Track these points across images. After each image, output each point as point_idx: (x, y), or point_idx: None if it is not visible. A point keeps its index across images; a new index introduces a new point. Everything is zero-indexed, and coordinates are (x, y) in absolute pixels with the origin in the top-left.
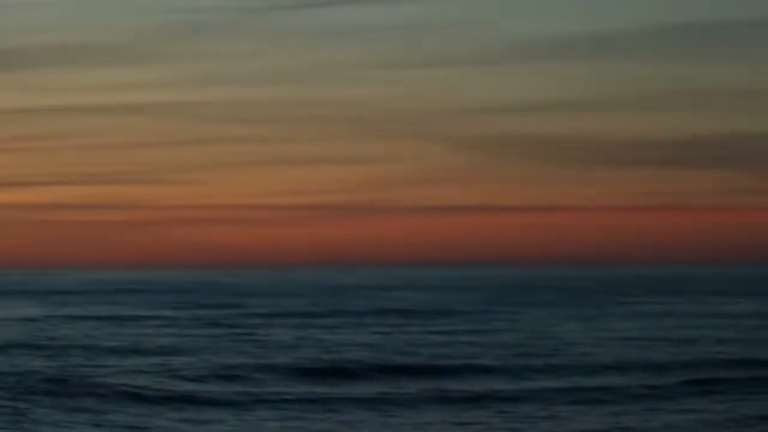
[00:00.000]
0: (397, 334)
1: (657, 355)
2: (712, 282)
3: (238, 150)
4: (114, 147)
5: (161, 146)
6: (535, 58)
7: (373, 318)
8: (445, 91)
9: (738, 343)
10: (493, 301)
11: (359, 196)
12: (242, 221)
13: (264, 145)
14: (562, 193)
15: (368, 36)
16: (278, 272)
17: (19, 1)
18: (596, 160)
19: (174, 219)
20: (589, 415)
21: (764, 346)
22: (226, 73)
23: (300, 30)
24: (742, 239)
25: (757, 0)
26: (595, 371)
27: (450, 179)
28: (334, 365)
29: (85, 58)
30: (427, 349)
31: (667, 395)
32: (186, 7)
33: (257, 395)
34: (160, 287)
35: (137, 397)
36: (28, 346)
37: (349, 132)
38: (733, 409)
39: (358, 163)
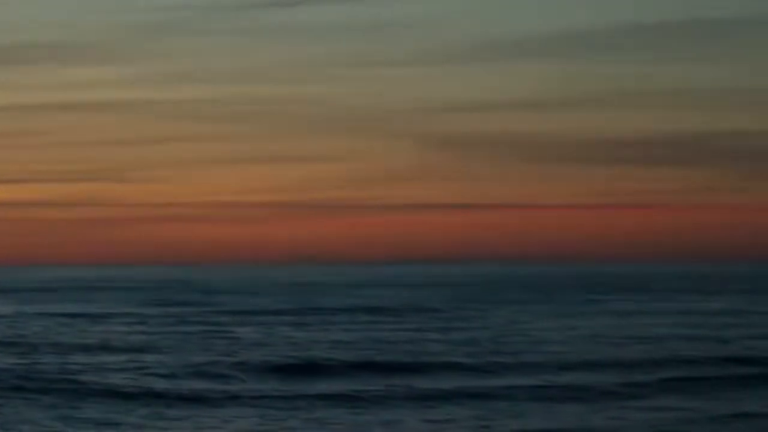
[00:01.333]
0: (367, 332)
1: (627, 353)
2: (682, 279)
3: (206, 148)
4: (83, 145)
5: (130, 144)
6: (504, 56)
7: (343, 315)
8: (414, 89)
9: (709, 340)
10: (463, 299)
11: (328, 194)
12: (211, 219)
13: (232, 143)
14: (532, 191)
15: (336, 34)
16: (248, 270)
17: None
18: (566, 159)
19: (142, 217)
20: (560, 413)
21: (735, 343)
22: (194, 72)
23: (267, 28)
24: (711, 237)
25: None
26: (566, 369)
27: (419, 177)
28: (305, 362)
29: (54, 56)
30: (397, 346)
31: (637, 393)
32: (154, 6)
33: (228, 392)
34: (130, 284)
35: (108, 393)
36: None
37: (317, 130)
38: (706, 407)
39: (327, 161)
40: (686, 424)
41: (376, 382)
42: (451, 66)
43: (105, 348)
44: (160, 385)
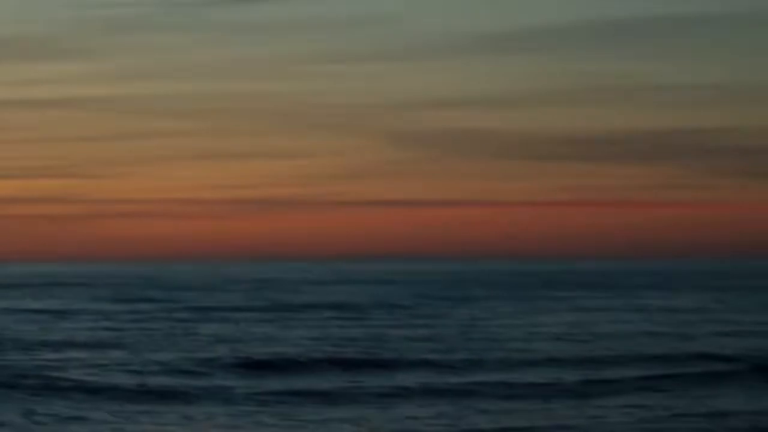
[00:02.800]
0: (332, 328)
1: (592, 350)
2: (647, 276)
3: (169, 144)
4: (46, 141)
5: (92, 140)
6: (470, 52)
7: (308, 312)
8: (378, 85)
9: (672, 338)
10: (428, 295)
11: (291, 190)
12: (174, 215)
13: (197, 139)
14: (497, 187)
15: (300, 30)
16: (211, 266)
17: None
18: (531, 155)
19: (105, 213)
20: (522, 411)
21: (698, 341)
22: (156, 68)
23: (231, 24)
24: (674, 234)
25: None
26: (530, 366)
27: (384, 174)
28: (270, 359)
29: (17, 52)
30: (362, 343)
31: (602, 391)
32: (116, 2)
33: (193, 388)
34: (94, 281)
35: (72, 389)
36: None
37: (282, 126)
38: (670, 405)
39: (291, 157)
40: (647, 422)
41: (340, 379)
42: (415, 62)
43: (69, 344)
44: (124, 381)
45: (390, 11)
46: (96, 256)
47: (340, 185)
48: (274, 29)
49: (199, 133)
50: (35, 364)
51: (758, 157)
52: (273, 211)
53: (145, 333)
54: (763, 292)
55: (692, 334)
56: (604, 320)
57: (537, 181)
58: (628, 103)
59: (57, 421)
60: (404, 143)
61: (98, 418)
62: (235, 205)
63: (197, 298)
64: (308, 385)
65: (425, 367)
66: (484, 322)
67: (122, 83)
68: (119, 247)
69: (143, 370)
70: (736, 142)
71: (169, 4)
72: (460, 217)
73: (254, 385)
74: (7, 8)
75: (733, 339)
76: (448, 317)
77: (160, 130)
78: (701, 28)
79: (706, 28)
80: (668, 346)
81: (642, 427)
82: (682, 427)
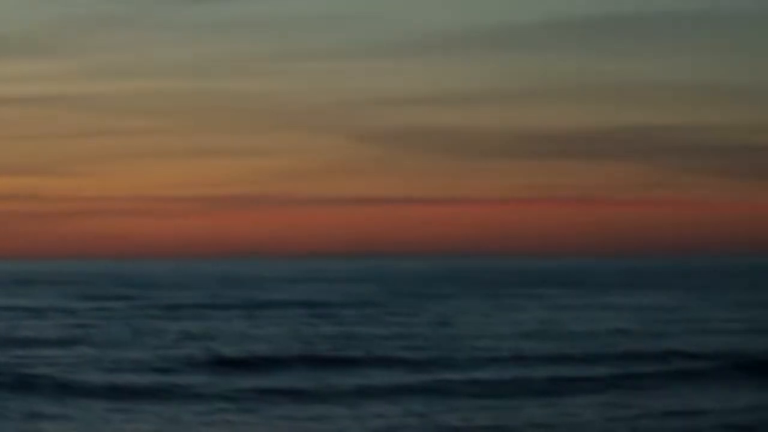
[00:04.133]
0: (300, 326)
1: (561, 348)
2: (618, 274)
3: (137, 142)
4: (18, 138)
5: (63, 138)
6: (438, 50)
7: (275, 310)
8: (343, 83)
9: (643, 336)
10: (395, 293)
11: (261, 188)
12: (145, 213)
13: (166, 136)
14: (466, 185)
15: (270, 28)
16: (181, 264)
17: None
18: (500, 153)
19: (77, 210)
20: (492, 408)
21: (668, 338)
22: (127, 65)
23: (201, 22)
24: (648, 232)
25: None
26: (498, 364)
27: (351, 171)
28: (239, 356)
29: None
30: (331, 341)
31: (571, 389)
32: (86, 1)
33: (162, 385)
34: (63, 278)
35: (40, 386)
36: None
37: (251, 124)
38: (638, 403)
39: (260, 155)
40: (614, 421)
41: (310, 377)
42: (380, 60)
43: (39, 342)
44: (94, 378)
45: (356, 10)
46: (66, 253)
47: (306, 183)
48: (240, 27)
49: (168, 131)
50: (4, 361)
51: (732, 155)
52: (244, 209)
53: (115, 330)
54: (736, 289)
55: (665, 331)
56: (575, 318)
57: (504, 179)
58: (597, 100)
59: (26, 417)
60: (368, 141)
61: (68, 415)
62: (204, 202)
63: (167, 295)
64: (278, 383)
65: (395, 364)
66: (454, 319)
67: (93, 81)
68: (89, 244)
69: (113, 368)
70: (709, 140)
71: (139, 2)
72: (426, 214)
73: (224, 383)
74: None
75: (711, 337)
76: (418, 315)
77: (130, 128)
78: (675, 26)
79: (681, 25)
80: (641, 344)
81: (612, 426)
82: (652, 425)
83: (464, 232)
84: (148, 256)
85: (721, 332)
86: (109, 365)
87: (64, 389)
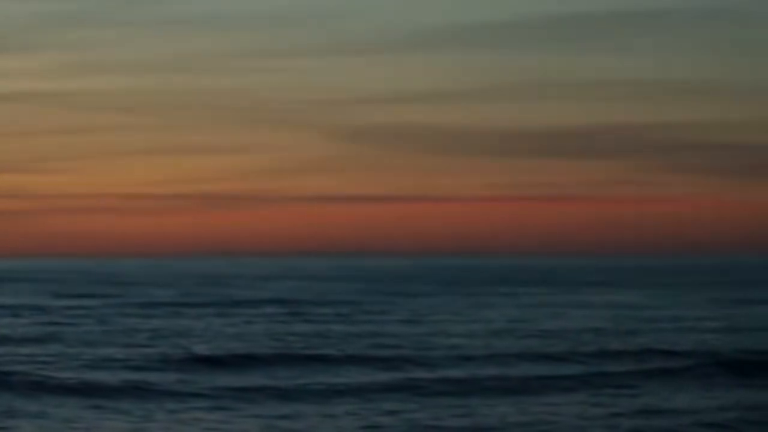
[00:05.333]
0: (274, 324)
1: (534, 347)
2: (593, 272)
3: (119, 139)
4: None
5: (42, 135)
6: (417, 49)
7: (249, 308)
8: (318, 81)
9: (617, 334)
10: (370, 291)
11: (236, 185)
12: (124, 210)
13: (146, 134)
14: (445, 183)
15: (250, 25)
16: (159, 262)
17: None
18: (479, 151)
19: (54, 208)
20: (462, 407)
21: (642, 336)
22: (106, 62)
23: (174, 19)
24: (622, 230)
25: None
26: (469, 362)
27: (330, 169)
28: (211, 355)
29: None
30: (304, 339)
31: (542, 388)
32: None
33: (134, 383)
34: (39, 276)
35: (12, 384)
36: None
37: (230, 122)
38: (614, 402)
39: (239, 152)
40: (585, 419)
41: (281, 375)
42: (361, 57)
43: (12, 339)
44: (67, 375)
45: (331, 8)
46: (40, 251)
47: (281, 180)
48: (215, 24)
49: (152, 127)
50: None
51: (704, 153)
52: (215, 207)
53: (90, 328)
54: (710, 287)
55: (640, 329)
56: (549, 316)
57: (487, 177)
58: (574, 98)
59: (1, 415)
60: (350, 138)
61: (43, 413)
62: (178, 200)
63: (142, 293)
64: (251, 382)
65: (368, 363)
66: (428, 318)
67: (66, 78)
68: (63, 242)
69: (87, 366)
70: (682, 138)
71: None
72: (401, 212)
73: (198, 381)
74: None
75: (686, 335)
76: (392, 313)
77: (104, 125)
78: (653, 24)
79: (652, 24)
80: (616, 342)
81: (587, 424)
82: (627, 423)
83: (439, 231)
84: (123, 253)
85: (696, 330)
86: (84, 363)
87: (39, 387)
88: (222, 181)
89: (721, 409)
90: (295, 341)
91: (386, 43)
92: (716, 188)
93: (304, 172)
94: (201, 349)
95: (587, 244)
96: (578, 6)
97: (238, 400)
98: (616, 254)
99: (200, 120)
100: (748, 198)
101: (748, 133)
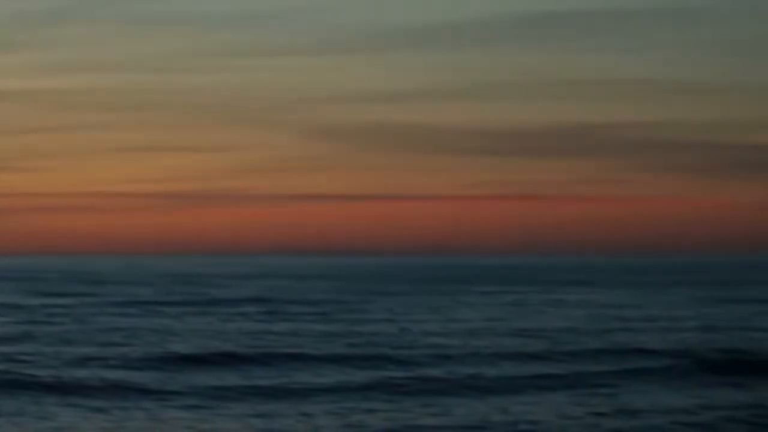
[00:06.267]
0: (250, 323)
1: (510, 346)
2: (565, 272)
3: (96, 137)
4: None
5: (17, 133)
6: (387, 47)
7: (226, 307)
8: (297, 80)
9: (593, 333)
10: (348, 290)
11: (217, 184)
12: (101, 209)
13: (123, 132)
14: (416, 182)
15: (222, 25)
16: (137, 260)
17: None
18: (450, 150)
19: (31, 206)
20: (439, 406)
21: (619, 335)
22: (82, 61)
23: (155, 18)
24: (595, 229)
25: None
26: (446, 361)
27: (303, 168)
28: (187, 354)
29: None
30: (278, 338)
31: (519, 387)
32: None
33: (110, 382)
34: (14, 275)
35: None
36: None
37: (204, 120)
38: (590, 401)
39: (216, 151)
40: (565, 419)
41: (258, 374)
42: (335, 56)
43: None
44: (44, 374)
45: (309, 5)
46: (16, 249)
47: (258, 179)
48: (196, 23)
49: (126, 126)
50: None
51: (677, 152)
52: (193, 205)
53: (66, 327)
54: (689, 286)
55: (616, 328)
56: (525, 315)
57: (460, 176)
58: (546, 97)
59: None
60: (324, 137)
61: (20, 411)
62: (156, 198)
63: (119, 292)
64: (228, 381)
65: (345, 362)
66: (402, 317)
67: (45, 76)
68: (40, 240)
69: (64, 364)
70: (654, 138)
71: None
72: (378, 211)
73: (174, 380)
74: None
75: (668, 334)
76: (369, 312)
77: (84, 123)
78: (624, 23)
79: (626, 22)
80: (592, 341)
81: (566, 424)
82: (606, 424)
83: (415, 230)
84: (101, 252)
85: (675, 329)
86: (61, 362)
87: (16, 385)
88: (199, 179)
89: (701, 409)
90: (273, 340)
91: (364, 42)
92: (693, 187)
93: (281, 171)
94: (179, 347)
95: (565, 243)
96: (558, 5)
97: (215, 399)
98: (594, 253)
99: (177, 118)
100: (725, 196)
101: (726, 133)
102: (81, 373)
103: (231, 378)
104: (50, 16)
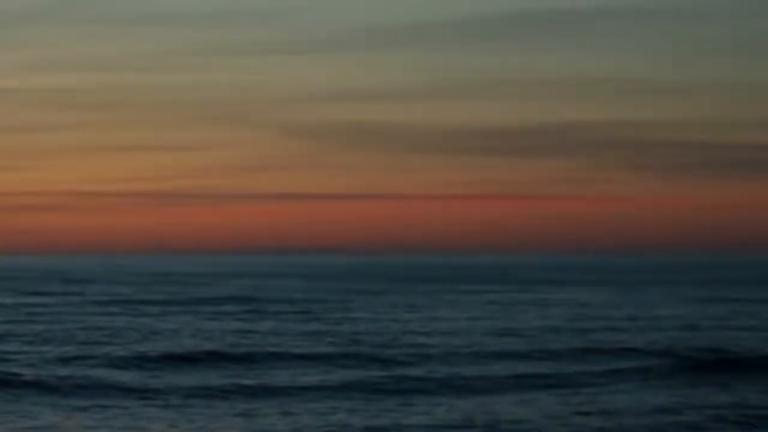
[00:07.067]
0: (230, 322)
1: (491, 345)
2: (548, 270)
3: (68, 137)
4: None
5: None
6: (363, 47)
7: (209, 305)
8: (275, 79)
9: (575, 332)
10: (327, 290)
11: (191, 183)
12: (81, 208)
13: (103, 131)
14: (392, 181)
15: (197, 24)
16: (118, 259)
17: None
18: (430, 149)
19: (10, 206)
20: (419, 405)
21: (600, 334)
22: (56, 60)
23: (132, 17)
24: (571, 228)
25: None
26: (426, 361)
27: (281, 167)
28: (166, 353)
29: None
30: (261, 337)
31: (499, 386)
32: None
33: (89, 381)
34: None
35: None
36: None
37: (183, 120)
38: (573, 401)
39: (190, 150)
40: (547, 418)
41: (237, 373)
42: (315, 56)
43: None
44: (22, 372)
45: (287, 6)
46: None
47: (237, 178)
48: (175, 23)
49: (98, 125)
50: None
51: (654, 151)
52: (173, 204)
53: (47, 326)
54: (669, 285)
55: (583, 328)
56: (506, 314)
57: (436, 175)
58: (525, 97)
59: None
60: (302, 136)
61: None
62: (136, 197)
63: (100, 291)
64: (207, 380)
65: (324, 361)
66: (384, 315)
67: (21, 75)
68: (20, 239)
69: (43, 362)
70: (633, 137)
71: None
72: (359, 210)
73: (153, 379)
74: None
75: (649, 333)
76: (347, 311)
77: (60, 122)
78: (597, 22)
79: (601, 22)
80: (562, 340)
81: (546, 423)
82: (590, 423)
83: (394, 229)
84: (81, 251)
85: (656, 328)
86: (42, 360)
87: None
88: (179, 178)
89: (686, 408)
90: (255, 339)
91: (341, 42)
92: (663, 186)
93: (260, 170)
94: (161, 346)
95: (542, 242)
96: (524, 5)
97: (198, 398)
98: (572, 252)
99: (157, 118)
100: (694, 195)
101: (701, 133)
102: (62, 372)
103: (213, 377)
104: (28, 15)
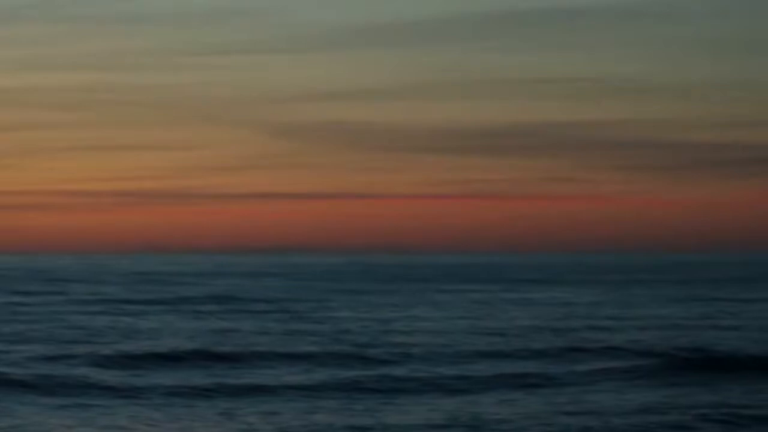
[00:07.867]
0: (210, 321)
1: (473, 345)
2: (530, 270)
3: (52, 136)
4: None
5: None
6: (347, 45)
7: (191, 305)
8: (258, 78)
9: (559, 332)
10: (310, 289)
11: (174, 182)
12: (57, 207)
13: (78, 130)
14: (378, 180)
15: (181, 22)
16: (100, 259)
17: None
18: (410, 148)
19: None
20: (400, 405)
21: (584, 334)
22: (38, 59)
23: (114, 15)
24: (553, 227)
25: None
26: (408, 360)
27: (265, 166)
28: (148, 353)
29: None
30: (243, 336)
31: (480, 387)
32: None
33: (71, 381)
34: None
35: None
36: None
37: (163, 118)
38: (557, 401)
39: (173, 149)
40: (529, 418)
41: (219, 373)
42: (295, 54)
43: None
44: (3, 371)
45: (271, 4)
46: None
47: (221, 177)
48: (155, 20)
49: (84, 124)
50: None
51: (636, 151)
52: (155, 204)
53: (29, 325)
54: (653, 285)
55: (567, 327)
56: (488, 314)
57: (418, 174)
58: (510, 96)
59: None
60: (284, 135)
61: None
62: (119, 197)
63: (83, 290)
64: (189, 380)
65: (306, 360)
66: (366, 315)
67: (4, 75)
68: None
69: (23, 362)
70: (614, 136)
71: None
72: (340, 209)
73: (135, 379)
74: None
75: (635, 332)
76: (328, 311)
77: (45, 121)
78: (581, 21)
79: (587, 20)
80: (546, 341)
81: (527, 424)
82: (575, 423)
83: (377, 228)
84: (63, 250)
85: (641, 328)
86: (25, 359)
87: None
88: (162, 178)
89: (671, 408)
90: (238, 338)
91: (325, 41)
92: (645, 185)
93: (244, 169)
94: (144, 345)
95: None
96: (505, 3)
97: (180, 397)
98: (556, 252)
99: (139, 117)
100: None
101: (687, 132)
102: (45, 371)
103: (196, 376)
104: (7, 14)
